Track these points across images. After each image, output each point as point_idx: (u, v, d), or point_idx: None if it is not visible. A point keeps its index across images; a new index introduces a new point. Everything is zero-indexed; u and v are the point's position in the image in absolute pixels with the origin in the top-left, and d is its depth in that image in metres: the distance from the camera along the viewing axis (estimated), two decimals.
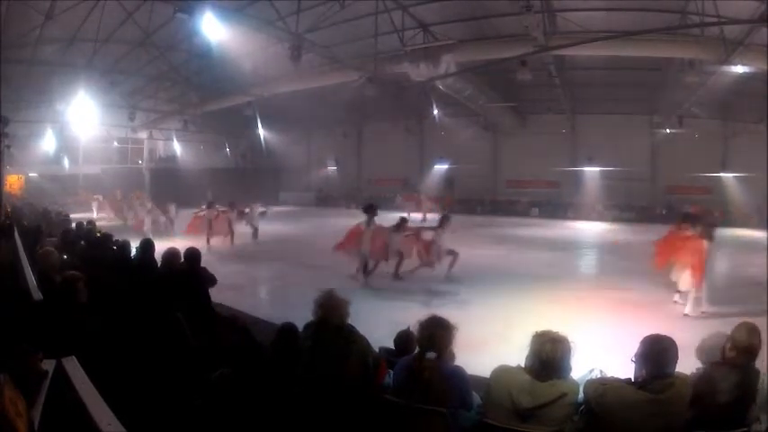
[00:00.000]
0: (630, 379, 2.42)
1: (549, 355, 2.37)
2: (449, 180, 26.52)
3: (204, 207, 14.09)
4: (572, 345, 2.44)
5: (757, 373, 2.52)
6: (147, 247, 5.58)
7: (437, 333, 2.63)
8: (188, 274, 4.69)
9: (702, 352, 2.70)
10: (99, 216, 18.36)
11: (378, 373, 2.91)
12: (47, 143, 24.03)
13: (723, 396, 2.40)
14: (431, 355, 2.57)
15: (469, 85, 18.17)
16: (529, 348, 2.46)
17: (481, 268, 10.51)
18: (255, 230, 14.91)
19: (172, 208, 17.13)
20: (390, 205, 22.65)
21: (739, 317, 2.97)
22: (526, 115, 24.26)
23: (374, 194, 24.37)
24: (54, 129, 23.37)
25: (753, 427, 2.29)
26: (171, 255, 4.92)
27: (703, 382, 2.41)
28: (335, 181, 30.22)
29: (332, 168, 30.51)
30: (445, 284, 8.85)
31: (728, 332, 2.72)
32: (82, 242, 7.34)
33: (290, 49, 13.00)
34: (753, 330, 2.59)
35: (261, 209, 15.56)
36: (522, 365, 2.49)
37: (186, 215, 15.37)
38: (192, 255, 4.81)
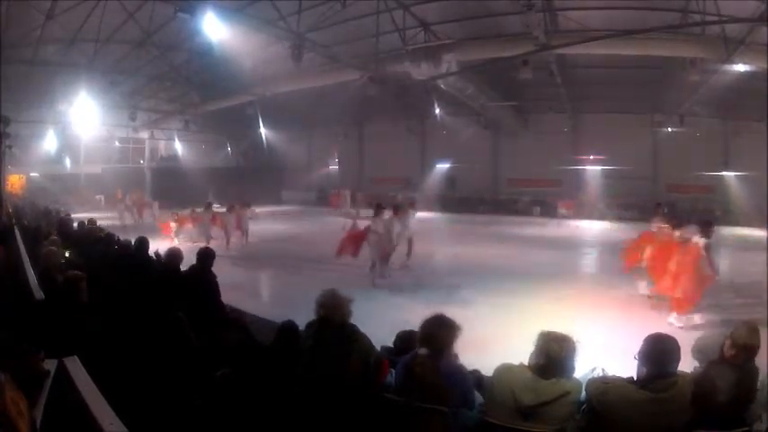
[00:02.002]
0: (633, 378, 2.41)
1: (555, 354, 2.38)
2: (450, 179, 26.54)
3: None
4: (577, 345, 2.44)
5: (756, 371, 2.52)
6: (141, 245, 5.59)
7: (439, 332, 2.62)
8: (198, 273, 4.69)
9: (699, 351, 2.70)
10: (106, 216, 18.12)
11: (380, 372, 2.90)
12: (48, 143, 24.11)
13: (722, 395, 2.39)
14: (422, 351, 2.56)
15: (471, 84, 18.14)
16: (534, 346, 2.46)
17: (484, 267, 10.53)
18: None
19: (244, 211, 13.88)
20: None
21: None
22: (527, 114, 24.22)
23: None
24: (55, 129, 23.43)
25: (754, 426, 2.28)
26: (172, 255, 4.92)
27: (702, 381, 2.41)
28: (337, 180, 30.21)
29: (333, 168, 30.48)
30: (448, 284, 8.85)
31: (723, 331, 2.73)
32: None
33: (292, 49, 13.00)
34: (753, 330, 2.61)
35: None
36: (525, 364, 2.49)
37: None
38: (206, 254, 4.80)
